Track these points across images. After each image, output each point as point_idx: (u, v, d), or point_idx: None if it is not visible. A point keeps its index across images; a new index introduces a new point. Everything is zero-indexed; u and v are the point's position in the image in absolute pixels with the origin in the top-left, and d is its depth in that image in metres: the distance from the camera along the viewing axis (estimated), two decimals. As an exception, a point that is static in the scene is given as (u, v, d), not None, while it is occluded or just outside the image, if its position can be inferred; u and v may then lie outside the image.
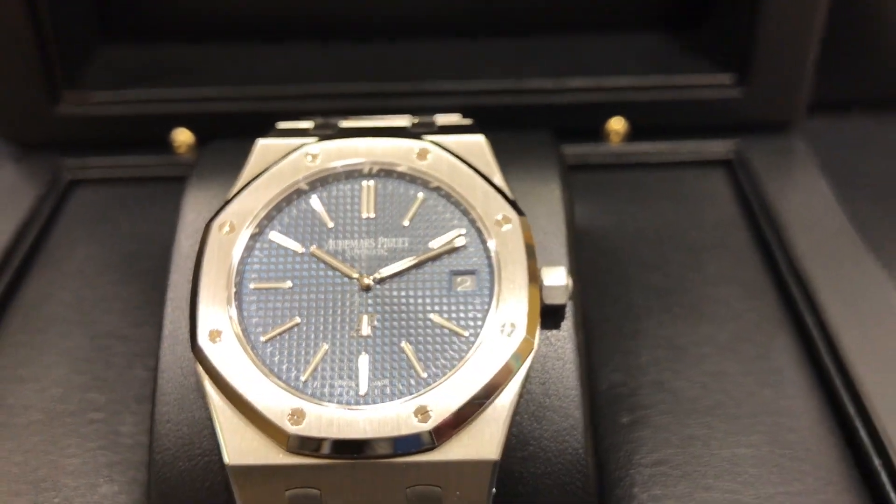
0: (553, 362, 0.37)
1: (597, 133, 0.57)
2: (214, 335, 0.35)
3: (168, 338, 0.38)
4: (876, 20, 0.65)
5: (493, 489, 0.34)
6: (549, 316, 0.37)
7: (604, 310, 0.47)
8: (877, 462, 0.40)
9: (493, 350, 0.35)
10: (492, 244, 0.37)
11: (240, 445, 0.34)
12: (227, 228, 0.37)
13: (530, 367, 0.35)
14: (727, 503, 0.39)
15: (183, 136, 0.58)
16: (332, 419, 0.34)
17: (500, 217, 0.37)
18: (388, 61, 0.60)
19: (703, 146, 0.57)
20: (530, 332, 0.35)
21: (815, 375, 0.44)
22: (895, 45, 0.66)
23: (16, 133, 0.58)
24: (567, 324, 0.38)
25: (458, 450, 0.34)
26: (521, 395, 0.35)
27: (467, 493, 0.34)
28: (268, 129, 0.41)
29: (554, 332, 0.38)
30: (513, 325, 0.35)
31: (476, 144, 0.39)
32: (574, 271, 0.39)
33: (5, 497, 0.40)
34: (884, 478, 0.39)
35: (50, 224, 0.53)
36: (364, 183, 0.38)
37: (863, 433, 0.41)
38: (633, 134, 0.57)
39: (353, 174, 0.38)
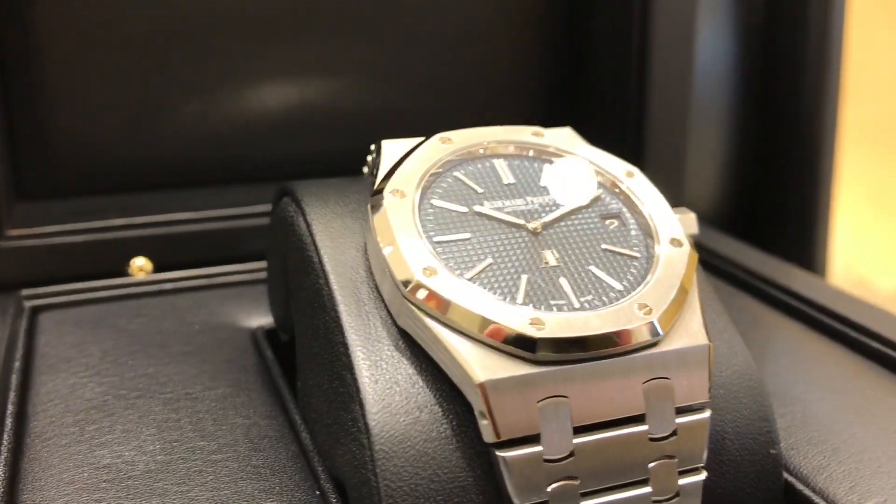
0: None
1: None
2: (428, 272, 0.35)
3: (351, 323, 0.36)
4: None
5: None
6: None
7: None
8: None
9: (672, 258, 0.38)
10: (627, 190, 0.41)
11: (484, 363, 0.33)
12: (398, 195, 0.38)
13: None
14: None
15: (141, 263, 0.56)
16: (569, 322, 0.35)
17: (625, 171, 0.42)
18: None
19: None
20: (691, 245, 0.39)
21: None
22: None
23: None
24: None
25: (677, 340, 0.36)
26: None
27: (691, 382, 0.36)
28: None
29: None
30: (679, 240, 0.39)
31: (567, 131, 0.44)
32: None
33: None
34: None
35: (31, 340, 0.48)
36: (496, 161, 0.41)
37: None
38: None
39: (488, 153, 0.41)
